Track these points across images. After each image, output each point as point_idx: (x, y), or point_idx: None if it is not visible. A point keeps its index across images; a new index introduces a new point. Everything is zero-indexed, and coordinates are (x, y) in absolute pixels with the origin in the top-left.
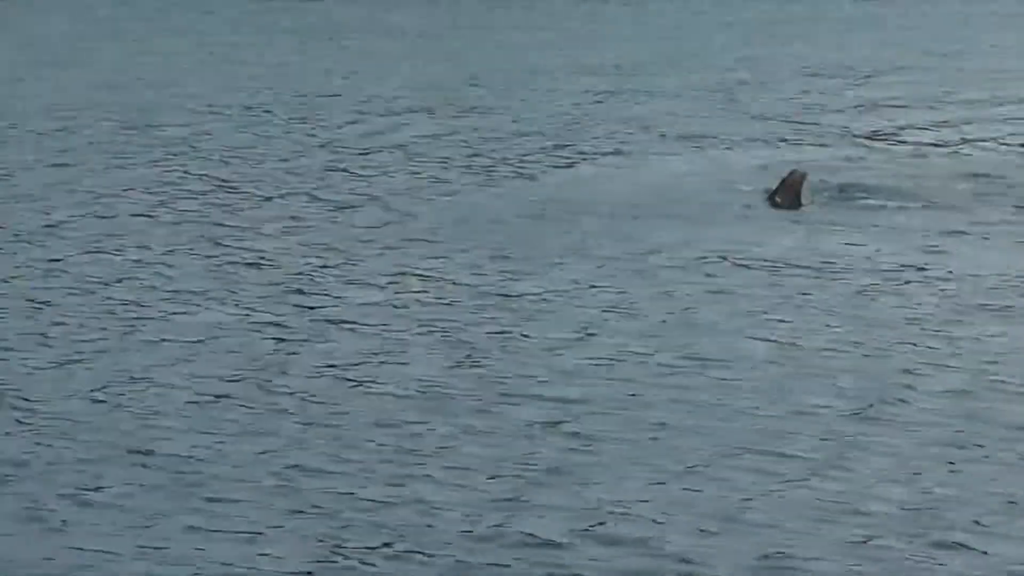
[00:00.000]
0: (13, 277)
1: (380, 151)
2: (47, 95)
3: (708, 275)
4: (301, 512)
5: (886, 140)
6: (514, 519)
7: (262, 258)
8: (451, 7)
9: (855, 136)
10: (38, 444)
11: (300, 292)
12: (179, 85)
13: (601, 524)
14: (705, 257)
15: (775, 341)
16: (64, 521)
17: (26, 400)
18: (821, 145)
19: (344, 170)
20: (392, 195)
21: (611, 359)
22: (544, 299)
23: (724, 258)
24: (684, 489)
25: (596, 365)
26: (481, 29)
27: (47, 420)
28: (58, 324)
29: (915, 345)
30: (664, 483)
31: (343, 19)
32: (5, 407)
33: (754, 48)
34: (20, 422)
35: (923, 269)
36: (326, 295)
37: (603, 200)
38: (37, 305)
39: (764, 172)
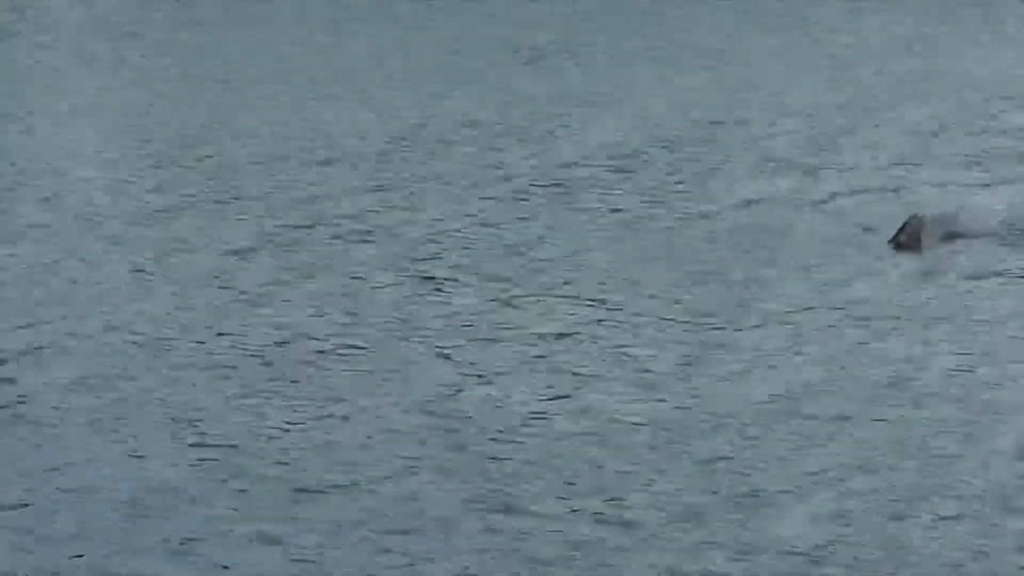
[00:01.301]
0: (194, 303)
1: (563, 182)
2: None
3: (825, 315)
4: (463, 552)
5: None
6: (677, 556)
7: (446, 289)
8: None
9: (984, 168)
10: (202, 477)
11: (472, 326)
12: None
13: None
14: (824, 295)
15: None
16: (216, 553)
17: (200, 430)
18: (944, 179)
19: (518, 199)
20: (577, 224)
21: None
22: (707, 338)
23: (841, 298)
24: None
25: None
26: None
27: (212, 449)
28: (239, 351)
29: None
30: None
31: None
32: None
33: (887, 63)
34: (193, 455)
35: None
36: (499, 328)
37: (750, 231)
38: (217, 335)
39: (889, 205)
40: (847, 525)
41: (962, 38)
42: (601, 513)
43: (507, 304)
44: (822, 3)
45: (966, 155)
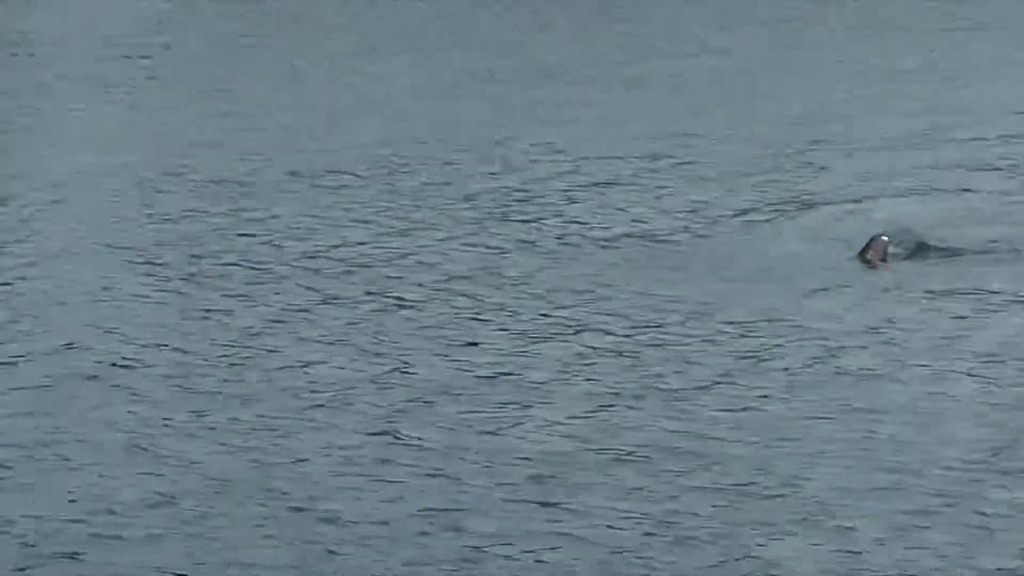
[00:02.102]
0: (163, 324)
1: (542, 195)
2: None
3: (789, 329)
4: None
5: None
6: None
7: (412, 307)
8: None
9: (951, 184)
10: (165, 496)
11: (444, 341)
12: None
13: None
14: (788, 310)
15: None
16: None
17: (160, 447)
18: (911, 195)
19: (500, 216)
20: (546, 241)
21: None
22: (670, 354)
23: (805, 313)
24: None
25: (723, 419)
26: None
27: (179, 467)
28: (199, 373)
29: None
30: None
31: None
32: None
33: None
34: (152, 470)
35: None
36: (469, 345)
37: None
38: (183, 352)
39: (855, 221)
40: (804, 538)
41: (934, 60)
42: (555, 532)
43: (470, 320)
44: (806, 18)
45: (933, 172)
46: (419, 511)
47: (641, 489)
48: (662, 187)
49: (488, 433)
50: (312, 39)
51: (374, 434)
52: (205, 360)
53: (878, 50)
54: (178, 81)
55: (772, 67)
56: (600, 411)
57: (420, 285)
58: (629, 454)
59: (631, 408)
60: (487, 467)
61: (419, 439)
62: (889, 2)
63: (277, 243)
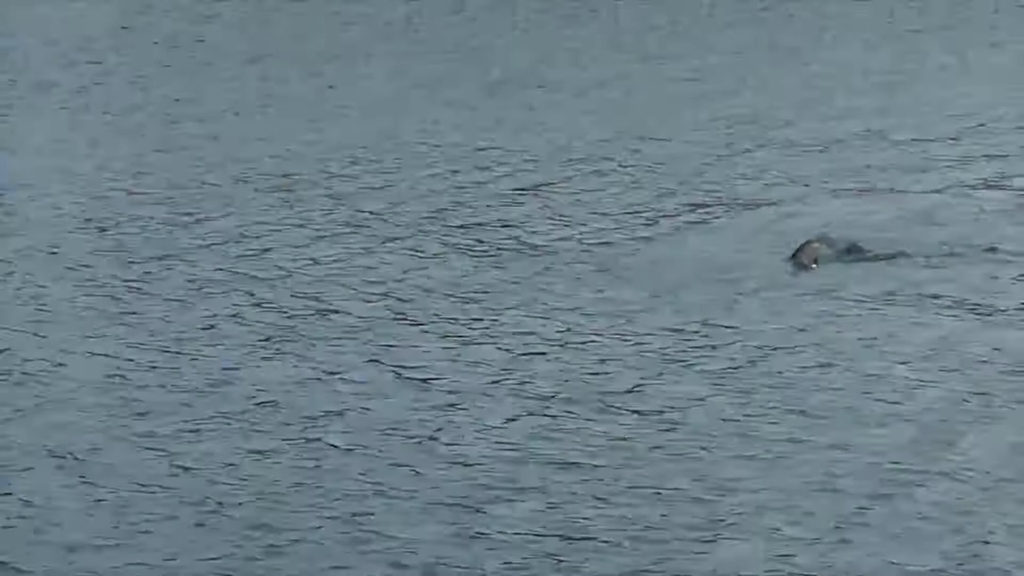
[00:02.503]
0: (94, 330)
1: (479, 199)
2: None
3: (718, 333)
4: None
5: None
6: None
7: (345, 312)
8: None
9: (883, 187)
10: (94, 503)
11: (376, 346)
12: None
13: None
14: (718, 313)
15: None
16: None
17: (90, 453)
18: (844, 198)
19: (437, 221)
20: (482, 245)
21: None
22: (601, 357)
23: (735, 317)
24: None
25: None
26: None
27: (107, 473)
28: (130, 380)
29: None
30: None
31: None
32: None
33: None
34: (81, 476)
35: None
36: (401, 349)
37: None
38: (113, 357)
39: (788, 224)
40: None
41: (893, 62)
42: (483, 536)
43: (403, 325)
44: (775, 21)
45: (870, 173)
46: (348, 516)
47: (571, 493)
48: (599, 190)
49: (418, 438)
50: (279, 44)
51: (305, 440)
52: (136, 366)
53: (845, 52)
54: (133, 87)
55: (731, 71)
56: (531, 415)
57: (353, 289)
58: (559, 458)
59: (562, 412)
60: (416, 472)
61: (349, 444)
62: (865, 4)
63: (215, 248)
